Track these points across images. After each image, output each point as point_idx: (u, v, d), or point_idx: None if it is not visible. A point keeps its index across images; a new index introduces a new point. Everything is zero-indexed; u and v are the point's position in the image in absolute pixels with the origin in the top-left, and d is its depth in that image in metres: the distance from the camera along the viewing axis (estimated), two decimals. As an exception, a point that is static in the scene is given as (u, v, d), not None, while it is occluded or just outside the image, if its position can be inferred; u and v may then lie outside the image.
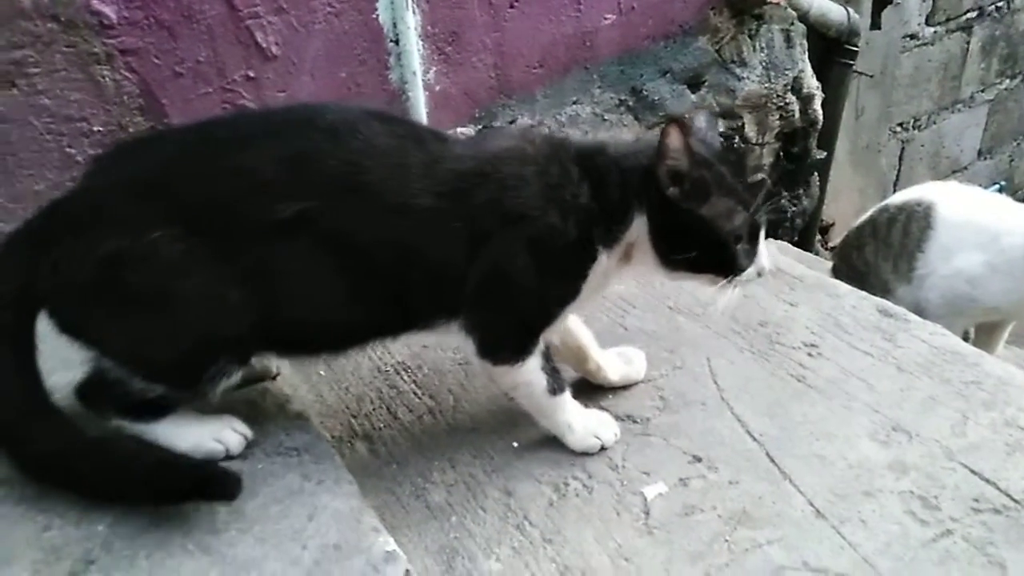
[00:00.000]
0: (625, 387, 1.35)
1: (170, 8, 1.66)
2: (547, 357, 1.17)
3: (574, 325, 1.29)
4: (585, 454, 1.23)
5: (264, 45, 1.80)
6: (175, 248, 1.00)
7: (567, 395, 1.20)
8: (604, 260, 1.13)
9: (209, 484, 1.03)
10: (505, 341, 1.14)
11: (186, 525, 1.01)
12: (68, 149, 1.65)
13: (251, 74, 1.80)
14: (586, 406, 1.30)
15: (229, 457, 1.12)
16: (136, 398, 1.07)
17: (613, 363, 1.34)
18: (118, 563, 0.97)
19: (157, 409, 1.09)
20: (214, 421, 1.14)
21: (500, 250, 1.08)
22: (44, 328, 1.05)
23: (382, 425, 1.33)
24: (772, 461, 1.19)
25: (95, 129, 1.65)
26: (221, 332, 1.04)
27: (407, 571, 0.96)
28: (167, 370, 1.06)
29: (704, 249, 1.11)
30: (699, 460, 1.20)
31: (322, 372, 1.46)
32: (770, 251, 1.21)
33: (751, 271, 1.14)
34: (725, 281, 1.12)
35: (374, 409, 1.37)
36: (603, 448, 1.22)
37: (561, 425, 1.22)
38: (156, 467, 1.04)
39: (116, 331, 1.04)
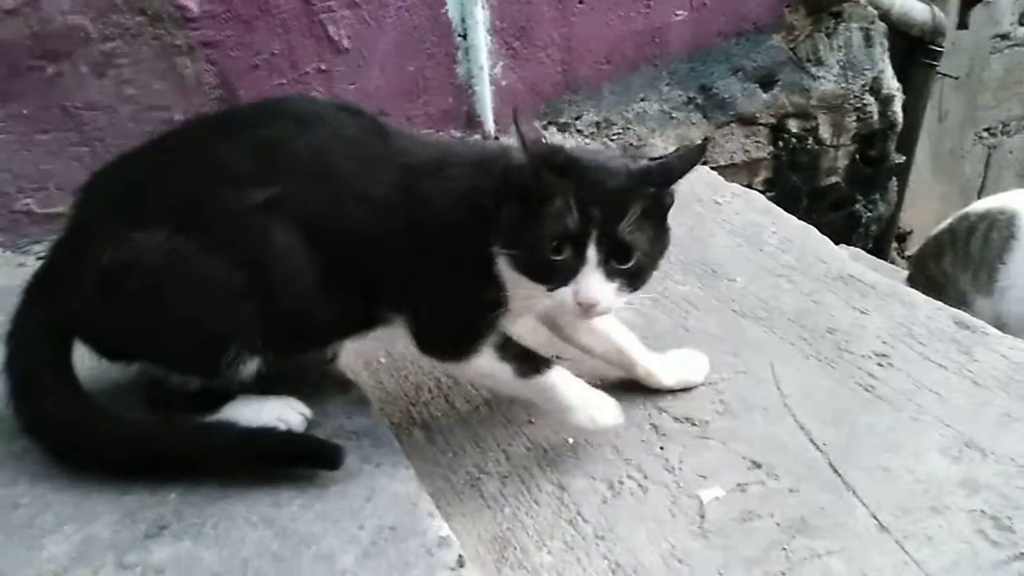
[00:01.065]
0: (684, 389, 1.33)
1: (248, 2, 1.72)
2: (507, 344, 1.14)
3: (612, 331, 1.27)
4: (622, 452, 1.20)
5: (336, 38, 1.84)
6: (163, 247, 1.06)
7: (553, 374, 1.15)
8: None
9: (315, 453, 1.10)
10: (438, 338, 1.15)
11: (250, 498, 1.05)
12: (151, 136, 1.72)
13: (323, 67, 1.85)
14: (642, 406, 1.29)
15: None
16: (184, 392, 1.14)
17: (667, 367, 1.31)
18: (187, 530, 1.02)
19: (215, 399, 1.15)
20: (275, 403, 1.18)
21: (423, 248, 1.10)
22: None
23: (439, 414, 1.35)
24: (835, 471, 1.15)
25: (175, 117, 1.72)
26: (222, 320, 1.08)
27: (460, 556, 0.97)
28: (186, 361, 1.12)
29: (524, 247, 1.03)
30: (758, 466, 1.17)
31: (382, 360, 1.49)
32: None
33: (566, 292, 1.02)
34: (543, 292, 1.04)
35: (432, 398, 1.38)
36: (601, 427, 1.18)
37: (554, 404, 1.17)
38: (272, 439, 1.12)
39: (131, 334, 1.11)
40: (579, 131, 2.21)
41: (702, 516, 1.10)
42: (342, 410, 1.21)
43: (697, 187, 1.98)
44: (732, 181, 2.10)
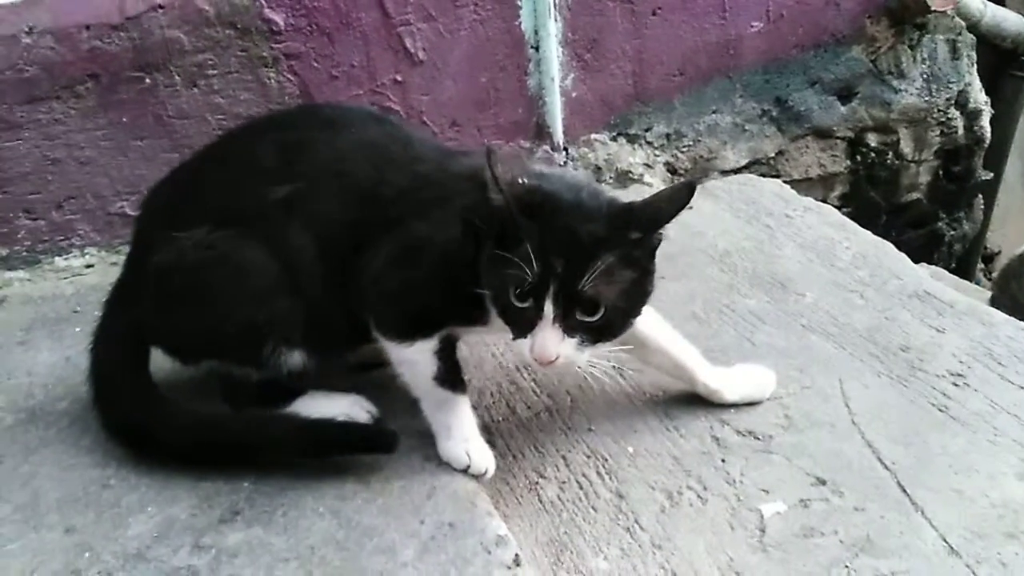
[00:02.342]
0: (749, 403, 1.31)
1: (331, 16, 1.80)
2: (449, 354, 1.14)
3: (670, 345, 1.25)
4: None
5: (412, 50, 1.90)
6: (201, 243, 1.12)
7: (460, 401, 1.15)
8: None
9: (373, 438, 1.15)
10: (398, 317, 1.13)
11: (319, 490, 1.10)
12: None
13: (399, 78, 1.92)
14: (704, 418, 1.28)
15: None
16: (249, 385, 1.19)
17: (730, 382, 1.29)
18: (259, 517, 1.07)
19: (285, 394, 1.21)
20: (343, 399, 1.23)
21: (417, 234, 1.10)
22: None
23: (500, 419, 1.37)
24: (903, 491, 1.12)
25: (260, 126, 1.81)
26: (258, 311, 1.13)
27: (517, 555, 0.99)
28: (230, 351, 1.18)
29: (493, 289, 1.02)
30: (823, 483, 1.15)
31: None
32: None
33: (524, 344, 0.99)
34: (511, 339, 1.02)
35: (494, 403, 1.41)
36: (468, 469, 1.14)
37: (439, 424, 1.16)
38: (331, 427, 1.17)
39: (182, 331, 1.18)
40: (649, 143, 2.21)
41: (762, 530, 1.09)
42: (408, 411, 1.24)
43: (767, 200, 1.95)
44: (806, 196, 2.06)
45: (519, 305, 0.98)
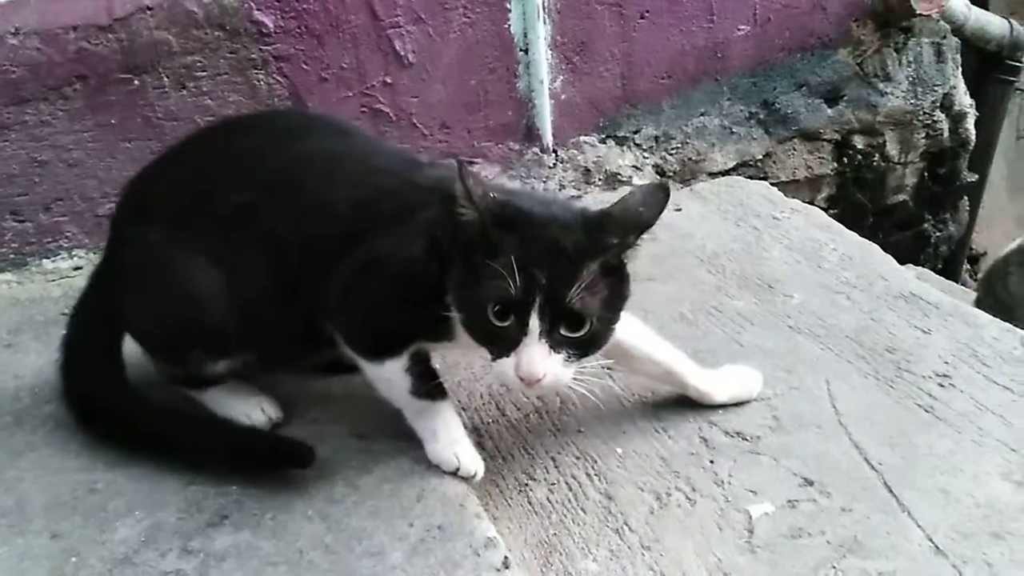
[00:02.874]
0: (737, 404, 1.32)
1: (320, 18, 1.79)
2: (423, 367, 1.12)
3: (658, 353, 1.24)
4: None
5: (402, 53, 1.90)
6: (154, 241, 1.15)
7: (442, 406, 1.14)
8: None
9: (283, 453, 1.13)
10: (365, 337, 1.12)
11: (307, 494, 1.10)
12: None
13: (388, 80, 1.92)
14: (693, 420, 1.28)
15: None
16: (177, 373, 1.21)
17: (718, 383, 1.29)
18: (247, 521, 1.07)
19: (204, 382, 1.22)
20: (248, 400, 1.23)
21: (379, 251, 1.07)
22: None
23: (490, 420, 1.37)
24: (890, 491, 1.13)
25: (249, 128, 1.80)
26: (188, 321, 1.14)
27: (506, 558, 0.99)
28: (160, 352, 1.22)
29: (467, 309, 0.98)
30: (810, 483, 1.16)
31: (436, 365, 1.52)
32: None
33: (507, 364, 0.95)
34: (490, 360, 0.98)
35: (483, 404, 1.41)
36: (457, 472, 1.13)
37: (424, 430, 1.15)
38: (242, 435, 1.17)
39: (128, 319, 1.21)
40: (637, 145, 2.22)
41: (750, 531, 1.09)
42: (397, 414, 1.24)
43: (754, 202, 1.96)
44: (793, 198, 2.07)
45: (499, 324, 0.94)
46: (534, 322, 0.92)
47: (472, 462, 1.14)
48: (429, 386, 1.12)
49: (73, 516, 1.09)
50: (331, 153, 1.16)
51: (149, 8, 1.65)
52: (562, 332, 0.93)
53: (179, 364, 1.20)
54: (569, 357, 0.95)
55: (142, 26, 1.66)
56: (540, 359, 0.93)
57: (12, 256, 1.71)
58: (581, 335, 0.94)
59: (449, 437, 1.14)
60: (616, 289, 0.98)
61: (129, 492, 1.12)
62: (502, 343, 0.95)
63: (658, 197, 0.98)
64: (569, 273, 0.92)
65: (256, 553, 1.02)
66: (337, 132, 1.24)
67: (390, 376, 1.12)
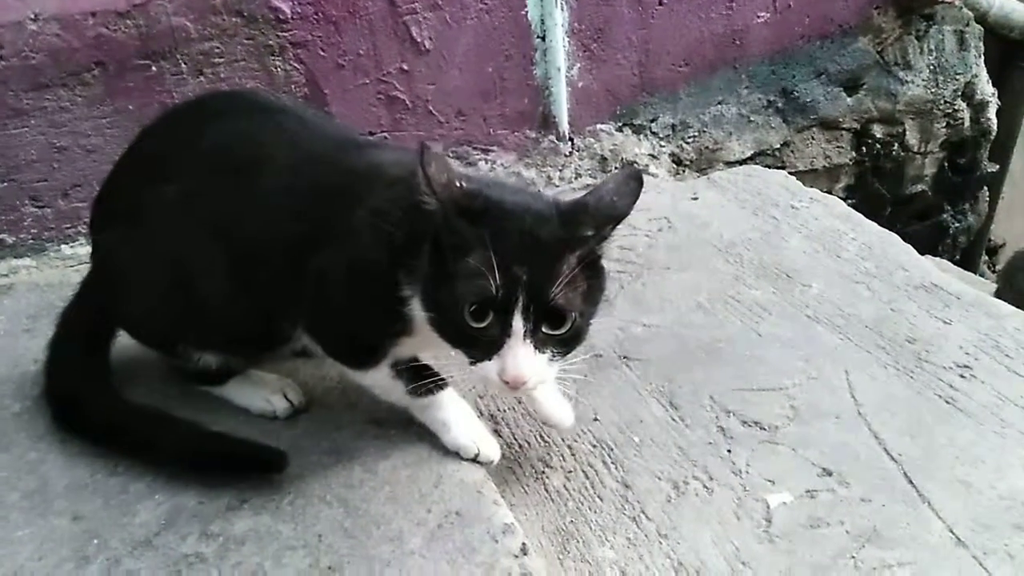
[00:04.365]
0: (753, 392, 1.31)
1: (337, 4, 1.79)
2: (413, 367, 1.08)
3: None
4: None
5: (419, 40, 1.89)
6: (115, 242, 1.16)
7: (444, 397, 1.11)
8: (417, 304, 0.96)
9: (255, 458, 1.11)
10: (342, 348, 1.10)
11: (326, 479, 1.10)
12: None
13: (405, 67, 1.91)
14: (710, 409, 1.28)
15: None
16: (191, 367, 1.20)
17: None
18: (266, 504, 1.07)
19: (221, 375, 1.22)
20: (268, 385, 1.23)
21: (326, 262, 1.02)
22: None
23: (506, 408, 1.37)
24: (910, 482, 1.12)
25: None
26: (158, 318, 1.15)
27: (524, 544, 0.99)
28: (149, 345, 1.22)
29: (439, 310, 0.91)
30: (829, 473, 1.15)
31: (452, 354, 1.52)
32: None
33: (489, 368, 0.89)
34: (469, 364, 0.92)
35: (499, 392, 1.41)
36: (476, 457, 1.11)
37: (434, 423, 1.13)
38: (221, 443, 1.13)
39: (117, 316, 1.22)
40: (654, 133, 2.21)
41: (768, 520, 1.09)
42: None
43: (773, 191, 1.95)
44: (811, 187, 2.05)
45: (476, 324, 0.86)
46: (518, 323, 0.86)
47: (490, 447, 1.14)
48: (424, 382, 1.06)
49: (94, 498, 1.10)
50: (262, 139, 1.10)
51: (166, -6, 1.65)
52: (545, 330, 0.87)
53: (173, 357, 1.21)
54: (553, 356, 0.90)
55: (160, 12, 1.66)
56: (526, 361, 0.87)
57: (31, 242, 1.72)
58: (564, 332, 0.88)
59: (463, 424, 1.14)
60: (594, 282, 0.92)
61: (148, 475, 1.13)
62: (482, 346, 0.88)
63: (631, 186, 0.91)
64: (550, 268, 0.86)
65: (275, 537, 1.03)
66: (267, 110, 1.17)
67: (381, 383, 1.10)
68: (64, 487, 1.11)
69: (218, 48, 1.72)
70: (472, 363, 0.90)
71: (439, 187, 0.86)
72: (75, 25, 1.61)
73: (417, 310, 0.95)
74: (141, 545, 1.03)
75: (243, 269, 1.08)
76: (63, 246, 1.74)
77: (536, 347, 0.87)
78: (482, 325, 0.86)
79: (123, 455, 1.15)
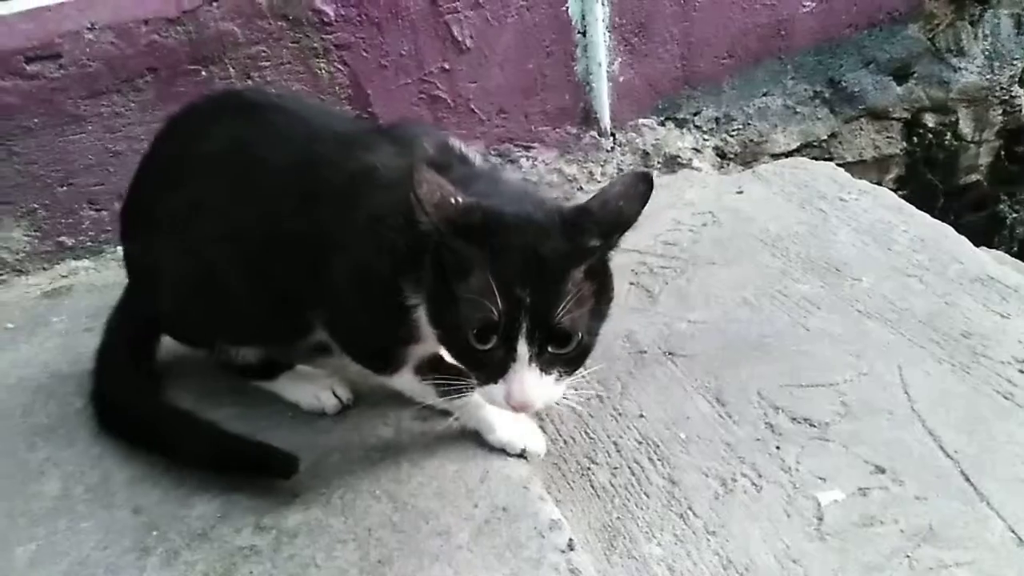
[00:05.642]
0: (802, 389, 1.29)
1: (380, 5, 1.81)
2: (430, 364, 1.06)
3: None
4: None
5: (460, 39, 1.90)
6: (140, 250, 1.22)
7: (478, 395, 1.02)
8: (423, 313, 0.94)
9: (267, 461, 1.12)
10: (359, 354, 1.11)
11: (375, 474, 1.12)
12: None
13: (446, 66, 1.92)
14: (757, 406, 1.27)
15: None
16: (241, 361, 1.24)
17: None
18: (317, 499, 1.10)
19: (271, 369, 1.26)
20: (317, 382, 1.25)
21: (337, 267, 1.02)
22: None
23: (571, 393, 1.36)
24: (967, 480, 1.09)
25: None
26: (190, 318, 1.19)
27: (570, 540, 1.00)
28: (191, 345, 1.28)
29: (444, 329, 0.89)
30: (882, 471, 1.13)
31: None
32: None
33: (495, 391, 0.87)
34: (475, 384, 0.90)
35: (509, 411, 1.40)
36: (522, 454, 1.11)
37: (477, 422, 1.12)
38: (236, 447, 1.15)
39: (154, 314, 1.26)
40: (697, 127, 2.18)
41: (819, 518, 1.07)
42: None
43: (820, 183, 1.91)
44: (861, 179, 2.01)
45: (481, 347, 0.84)
46: (522, 347, 0.84)
47: (536, 441, 1.15)
48: (456, 382, 1.01)
49: (153, 491, 1.13)
50: (259, 139, 1.11)
51: (215, 0, 1.69)
52: (551, 351, 0.85)
53: (215, 353, 1.25)
54: (560, 376, 0.88)
55: (208, 18, 1.70)
56: (533, 386, 0.85)
57: (90, 244, 1.78)
58: (570, 350, 0.86)
59: (506, 420, 1.13)
60: (601, 294, 0.89)
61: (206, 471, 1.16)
62: (488, 369, 0.87)
63: (640, 189, 0.87)
64: (554, 288, 0.83)
65: (326, 530, 1.05)
66: (263, 108, 1.17)
67: (410, 387, 1.10)
68: (124, 480, 1.16)
69: (264, 52, 1.76)
70: (480, 385, 0.89)
71: (432, 208, 0.83)
72: (129, 33, 1.66)
73: (424, 321, 0.94)
74: (198, 537, 1.06)
75: (255, 267, 1.10)
76: (119, 248, 1.79)
77: (542, 369, 0.85)
78: (487, 348, 0.84)
79: (158, 455, 1.18)
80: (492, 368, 0.86)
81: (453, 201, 0.84)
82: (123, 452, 1.20)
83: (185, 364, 1.33)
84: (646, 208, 0.88)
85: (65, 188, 1.72)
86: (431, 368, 1.07)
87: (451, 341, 0.89)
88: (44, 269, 1.75)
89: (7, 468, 1.20)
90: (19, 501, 1.14)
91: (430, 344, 1.00)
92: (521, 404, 0.86)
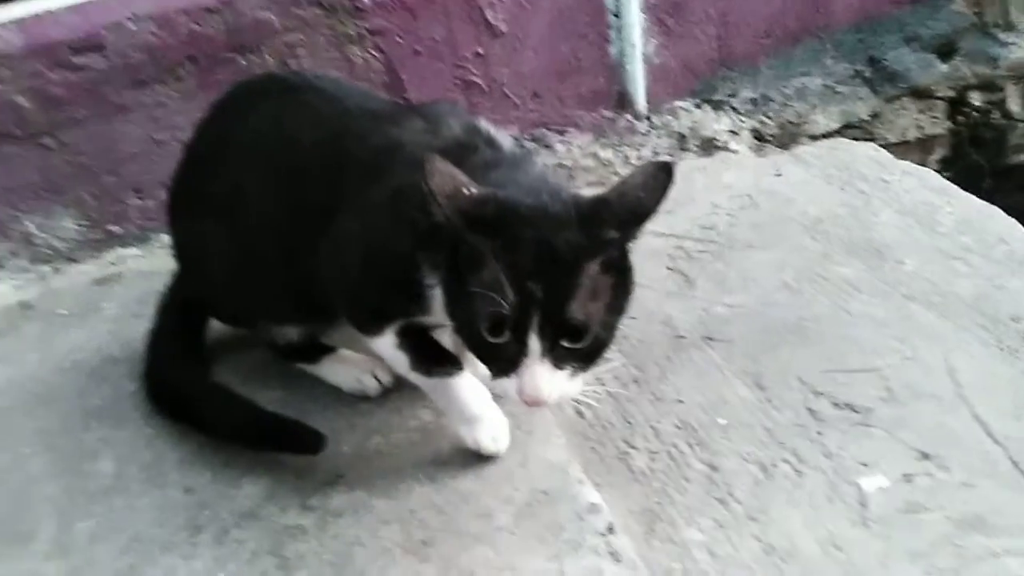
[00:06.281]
0: (844, 373, 1.27)
1: (414, -9, 1.81)
2: (412, 334, 1.05)
3: None
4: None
5: (493, 23, 1.90)
6: (183, 233, 1.27)
7: (457, 380, 1.07)
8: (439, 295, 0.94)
9: (292, 437, 1.15)
10: (350, 307, 1.09)
11: (416, 456, 1.14)
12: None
13: (480, 51, 1.92)
14: (798, 391, 1.25)
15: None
16: (284, 342, 1.27)
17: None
18: (360, 480, 1.12)
19: (314, 352, 1.28)
20: (357, 366, 1.27)
21: (344, 228, 1.02)
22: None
23: (586, 388, 1.37)
24: (1017, 467, 1.07)
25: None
26: (234, 297, 1.22)
27: (610, 523, 1.01)
28: (236, 325, 1.33)
29: (458, 319, 0.89)
30: (927, 457, 1.11)
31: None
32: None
33: (507, 385, 0.86)
34: (489, 378, 0.90)
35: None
36: (480, 452, 1.11)
37: (444, 406, 1.12)
38: (268, 423, 1.18)
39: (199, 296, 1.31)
40: (734, 109, 2.15)
41: (863, 505, 1.06)
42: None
43: (861, 165, 1.87)
44: (903, 159, 1.97)
45: (493, 340, 0.84)
46: (534, 342, 0.83)
47: (491, 441, 1.11)
48: (435, 361, 1.05)
49: (203, 471, 1.17)
50: (280, 118, 1.14)
51: (251, -12, 1.70)
52: (564, 345, 0.84)
53: (258, 333, 1.29)
54: (575, 371, 0.87)
55: (245, 6, 1.71)
56: (544, 381, 0.84)
57: (136, 231, 1.82)
58: (584, 345, 0.85)
59: (470, 416, 1.11)
60: (619, 287, 0.88)
61: (249, 452, 1.19)
62: (501, 362, 0.86)
63: (660, 179, 0.85)
64: (567, 282, 0.82)
65: (370, 511, 1.08)
66: (296, 90, 1.18)
67: (382, 351, 1.07)
68: (176, 461, 1.19)
69: (301, 39, 1.77)
70: (493, 378, 0.89)
71: (444, 199, 0.82)
72: (169, 23, 1.68)
73: (439, 301, 0.94)
74: (247, 516, 1.09)
75: (287, 242, 1.12)
76: (163, 235, 1.83)
77: (555, 363, 0.85)
78: (499, 341, 0.84)
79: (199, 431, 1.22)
80: (505, 362, 0.86)
81: (466, 192, 0.84)
82: (174, 434, 1.24)
83: (236, 348, 1.36)
84: (675, 194, 0.86)
85: (112, 177, 1.76)
86: (414, 338, 1.06)
87: (464, 330, 0.89)
88: (94, 257, 1.79)
89: (65, 447, 1.24)
90: (77, 479, 1.18)
91: (439, 319, 1.00)
92: (532, 399, 0.85)
